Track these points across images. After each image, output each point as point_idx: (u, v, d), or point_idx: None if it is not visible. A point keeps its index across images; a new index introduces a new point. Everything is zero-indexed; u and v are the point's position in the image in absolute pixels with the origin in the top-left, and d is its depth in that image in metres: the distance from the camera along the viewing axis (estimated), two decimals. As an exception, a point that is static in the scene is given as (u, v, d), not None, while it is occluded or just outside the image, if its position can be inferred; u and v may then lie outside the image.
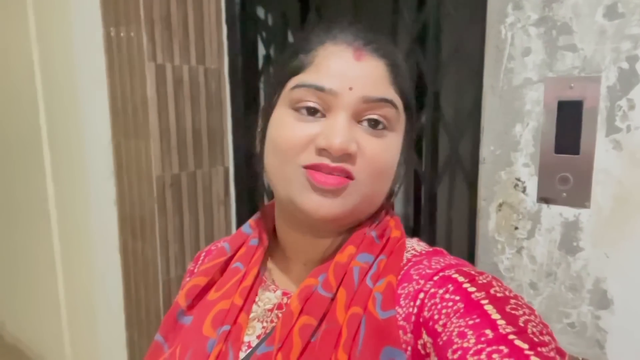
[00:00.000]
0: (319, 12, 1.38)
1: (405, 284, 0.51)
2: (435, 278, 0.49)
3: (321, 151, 0.50)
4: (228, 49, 1.58)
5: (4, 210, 2.11)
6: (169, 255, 1.52)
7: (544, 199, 0.91)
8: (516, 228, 0.94)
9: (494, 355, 0.39)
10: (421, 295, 0.48)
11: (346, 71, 0.51)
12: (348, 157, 0.50)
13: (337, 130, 0.50)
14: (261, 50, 1.62)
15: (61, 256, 1.75)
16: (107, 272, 1.62)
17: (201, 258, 0.70)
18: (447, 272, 0.49)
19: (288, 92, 0.53)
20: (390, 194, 0.59)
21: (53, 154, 1.69)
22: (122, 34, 1.45)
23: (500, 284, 0.47)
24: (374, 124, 0.52)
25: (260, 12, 1.61)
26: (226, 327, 0.55)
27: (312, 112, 0.52)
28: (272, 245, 0.64)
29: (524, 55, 0.90)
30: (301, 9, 1.48)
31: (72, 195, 1.64)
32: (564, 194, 0.88)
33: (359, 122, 0.52)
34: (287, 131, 0.52)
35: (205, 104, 1.55)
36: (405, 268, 0.53)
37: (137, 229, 1.55)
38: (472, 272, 0.48)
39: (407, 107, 0.56)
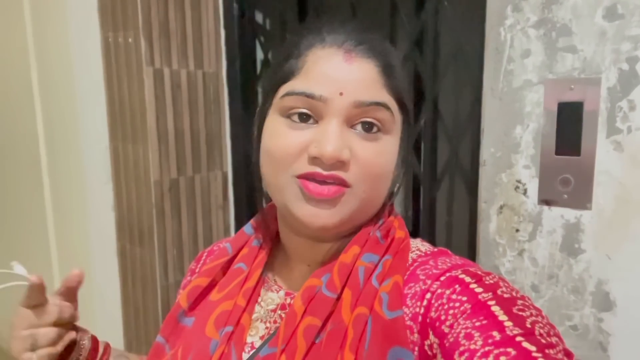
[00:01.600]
0: (317, 16, 1.38)
1: (412, 284, 0.51)
2: (442, 278, 0.48)
3: (314, 159, 0.49)
4: (226, 54, 1.58)
5: (0, 215, 2.10)
6: (168, 261, 1.51)
7: (545, 200, 0.90)
8: (517, 230, 0.94)
9: (502, 358, 0.38)
10: (428, 295, 0.48)
11: (336, 76, 0.50)
12: (341, 164, 0.49)
13: (329, 137, 0.49)
14: (259, 55, 1.62)
15: (58, 262, 1.74)
16: (105, 278, 1.60)
17: (203, 257, 0.70)
18: (453, 273, 0.49)
19: (279, 100, 0.52)
20: (390, 195, 0.58)
21: (50, 159, 1.68)
22: (120, 39, 1.44)
23: (507, 285, 0.47)
24: (367, 128, 0.51)
25: (259, 16, 1.61)
26: (229, 328, 0.55)
27: (304, 118, 0.51)
28: (275, 246, 0.63)
29: (523, 57, 0.90)
30: (299, 13, 1.48)
31: (70, 200, 1.63)
32: (565, 196, 0.88)
33: (352, 126, 0.51)
34: (279, 140, 0.51)
35: (203, 109, 1.55)
36: (411, 268, 0.53)
37: (135, 235, 1.53)
38: (479, 273, 0.48)
39: (402, 108, 0.55)
